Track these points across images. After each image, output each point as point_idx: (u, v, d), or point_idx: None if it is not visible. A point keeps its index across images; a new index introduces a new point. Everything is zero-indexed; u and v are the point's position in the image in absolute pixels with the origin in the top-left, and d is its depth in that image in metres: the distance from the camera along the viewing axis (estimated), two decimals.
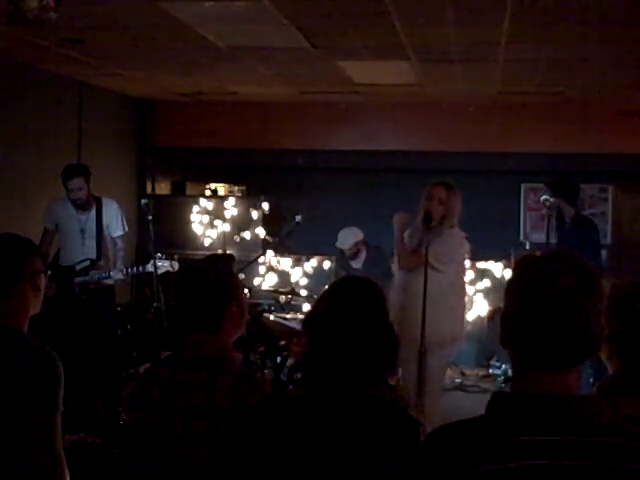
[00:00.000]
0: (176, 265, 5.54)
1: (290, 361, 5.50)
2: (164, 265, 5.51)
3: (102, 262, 5.60)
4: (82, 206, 5.57)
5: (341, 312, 2.01)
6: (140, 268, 5.56)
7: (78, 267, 5.52)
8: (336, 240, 6.70)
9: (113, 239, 5.68)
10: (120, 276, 5.55)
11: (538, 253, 1.55)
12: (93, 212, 5.62)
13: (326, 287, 2.20)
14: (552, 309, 1.44)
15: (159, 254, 5.55)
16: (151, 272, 5.53)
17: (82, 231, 5.58)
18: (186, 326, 2.35)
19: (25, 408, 2.13)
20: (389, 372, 2.07)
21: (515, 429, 1.39)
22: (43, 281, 2.42)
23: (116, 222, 5.69)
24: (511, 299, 1.51)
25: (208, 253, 7.38)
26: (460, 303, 4.78)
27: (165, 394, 2.25)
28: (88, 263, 5.52)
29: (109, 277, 5.54)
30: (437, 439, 1.47)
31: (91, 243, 5.59)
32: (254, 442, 1.95)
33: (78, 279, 5.50)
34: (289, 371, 2.12)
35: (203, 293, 2.31)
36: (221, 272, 2.39)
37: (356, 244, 6.63)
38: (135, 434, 2.29)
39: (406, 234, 4.72)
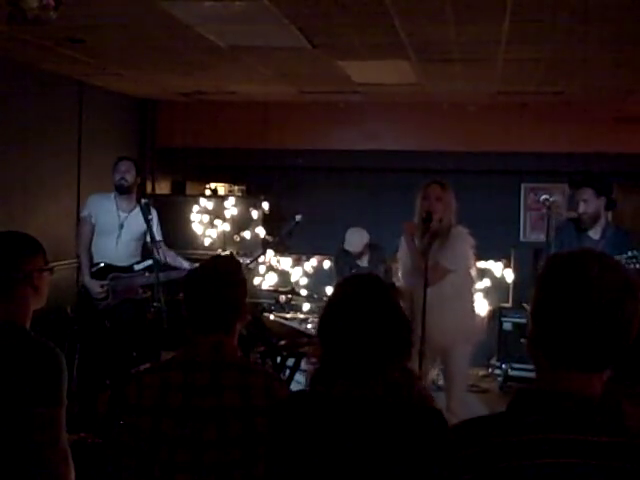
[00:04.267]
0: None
1: (309, 366, 5.50)
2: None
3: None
4: (125, 190, 5.66)
5: (359, 311, 1.98)
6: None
7: (137, 267, 5.57)
8: (337, 240, 6.69)
9: (154, 243, 5.75)
10: (187, 266, 5.66)
11: (568, 253, 1.47)
12: (134, 212, 5.67)
13: (331, 288, 2.19)
14: (598, 309, 1.37)
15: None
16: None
17: (120, 227, 5.69)
18: (200, 328, 2.31)
19: (29, 402, 2.13)
20: (407, 355, 2.06)
21: (539, 426, 1.37)
22: (45, 280, 2.41)
23: (156, 228, 5.78)
24: (548, 297, 1.43)
25: (208, 253, 7.49)
26: (472, 300, 4.85)
27: (188, 398, 2.19)
28: (150, 263, 5.54)
29: (184, 270, 5.58)
30: (460, 434, 1.45)
31: (127, 241, 5.67)
32: (289, 438, 1.94)
33: (142, 280, 5.58)
34: (311, 380, 2.08)
35: (221, 294, 2.29)
36: (235, 272, 2.39)
37: (365, 246, 6.65)
38: (142, 439, 2.21)
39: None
